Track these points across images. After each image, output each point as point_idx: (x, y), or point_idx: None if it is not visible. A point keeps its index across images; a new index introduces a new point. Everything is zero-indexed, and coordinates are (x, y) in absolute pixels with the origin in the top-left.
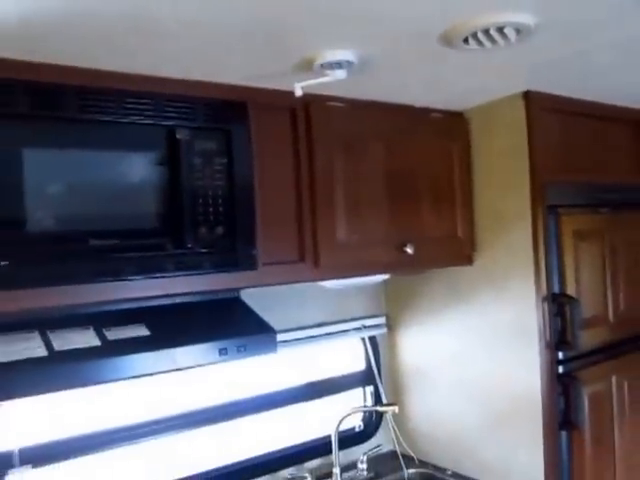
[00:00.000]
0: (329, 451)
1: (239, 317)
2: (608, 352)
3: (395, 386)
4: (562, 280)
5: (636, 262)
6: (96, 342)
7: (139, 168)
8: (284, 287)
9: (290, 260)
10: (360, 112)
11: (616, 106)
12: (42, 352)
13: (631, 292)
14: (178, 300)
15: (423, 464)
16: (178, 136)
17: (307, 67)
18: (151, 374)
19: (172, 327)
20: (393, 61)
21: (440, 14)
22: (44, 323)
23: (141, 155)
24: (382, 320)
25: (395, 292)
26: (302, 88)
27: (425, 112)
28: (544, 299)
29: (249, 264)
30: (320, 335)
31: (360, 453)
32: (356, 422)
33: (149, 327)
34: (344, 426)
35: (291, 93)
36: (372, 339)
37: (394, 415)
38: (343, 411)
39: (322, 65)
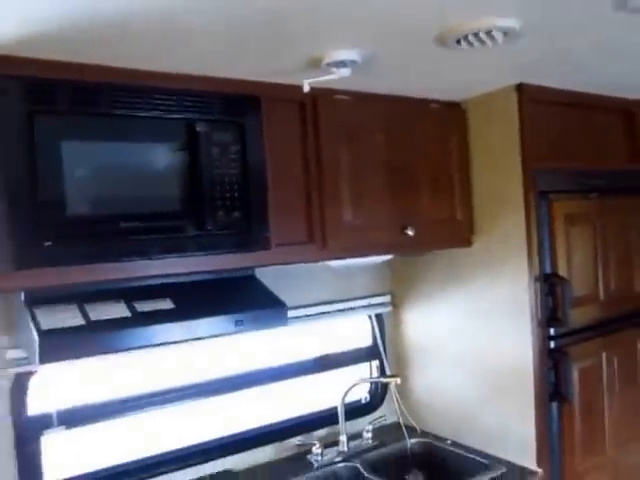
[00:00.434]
0: (336, 421)
1: (253, 293)
2: (599, 329)
3: (399, 361)
4: (553, 261)
5: (625, 244)
6: (127, 313)
7: (163, 158)
8: (296, 267)
9: (300, 241)
10: (363, 104)
11: (604, 96)
12: (80, 321)
13: (620, 272)
14: (199, 277)
15: (425, 434)
16: (198, 129)
17: (315, 65)
18: (175, 342)
19: (194, 301)
20: (393, 59)
21: (434, 19)
22: (81, 296)
23: (165, 146)
24: (388, 299)
25: (400, 273)
26: (309, 84)
27: (424, 103)
28: (536, 279)
29: (263, 245)
30: (329, 312)
31: (366, 423)
32: (362, 394)
33: (173, 301)
34: (351, 398)
35: (300, 88)
36: (378, 316)
37: (398, 388)
38: (350, 383)
39: (328, 63)
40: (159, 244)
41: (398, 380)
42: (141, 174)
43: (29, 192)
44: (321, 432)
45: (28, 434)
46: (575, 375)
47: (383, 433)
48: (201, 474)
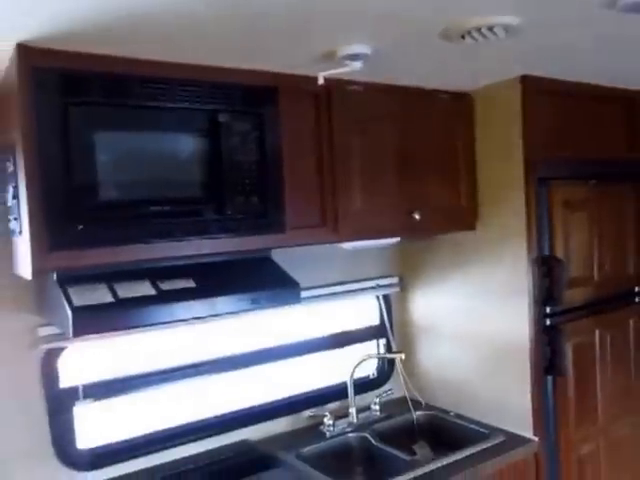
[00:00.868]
0: (346, 395)
1: (269, 273)
2: (593, 308)
3: (405, 339)
4: (551, 244)
5: (620, 229)
6: (152, 292)
7: (187, 146)
8: (308, 251)
9: (313, 225)
10: (374, 95)
11: (604, 87)
12: (109, 299)
13: (615, 255)
14: (218, 258)
15: (429, 407)
16: (220, 119)
17: (330, 58)
18: (196, 319)
19: (213, 280)
20: (402, 53)
21: (438, 16)
22: (109, 276)
23: (189, 135)
24: (395, 280)
25: (407, 256)
26: (324, 76)
27: (433, 93)
28: (535, 261)
29: (279, 228)
30: (339, 292)
31: (373, 397)
32: (370, 371)
33: (195, 280)
34: (360, 374)
35: (315, 79)
36: (385, 297)
37: (404, 365)
38: (358, 360)
39: (342, 57)
40: (183, 227)
41: (402, 356)
42: (167, 161)
43: (64, 178)
44: (332, 405)
45: (60, 406)
46: (569, 351)
47: (390, 406)
48: (220, 444)
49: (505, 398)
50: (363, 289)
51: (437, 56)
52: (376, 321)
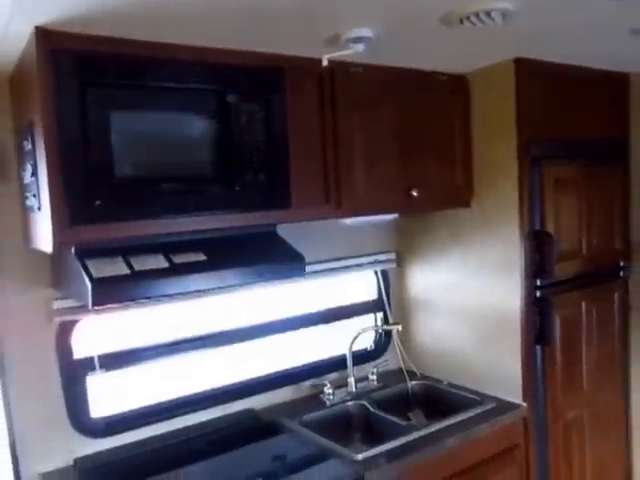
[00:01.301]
0: (345, 366)
1: (275, 247)
2: (580, 282)
3: (401, 313)
4: (543, 221)
5: (607, 206)
6: (165, 264)
7: (198, 126)
8: (311, 227)
9: (317, 201)
10: (376, 76)
11: (596, 69)
12: (126, 271)
13: (602, 231)
14: (227, 233)
15: (424, 377)
16: (228, 99)
17: (334, 41)
18: (206, 290)
19: (223, 254)
20: (403, 37)
21: (439, 1)
22: (124, 250)
23: (199, 115)
24: (392, 256)
25: (404, 233)
26: (328, 59)
27: (431, 75)
28: (527, 236)
29: (284, 204)
30: (339, 268)
31: (371, 369)
32: (367, 343)
33: (205, 254)
34: (358, 347)
35: (320, 61)
36: (383, 272)
37: (400, 337)
38: (357, 332)
39: (345, 40)
40: (194, 203)
41: (400, 327)
42: (179, 140)
43: (82, 156)
44: (332, 376)
45: (74, 376)
46: (558, 322)
47: (387, 376)
48: (226, 412)
49: (497, 367)
50: (362, 264)
51: (436, 40)
52: (374, 296)
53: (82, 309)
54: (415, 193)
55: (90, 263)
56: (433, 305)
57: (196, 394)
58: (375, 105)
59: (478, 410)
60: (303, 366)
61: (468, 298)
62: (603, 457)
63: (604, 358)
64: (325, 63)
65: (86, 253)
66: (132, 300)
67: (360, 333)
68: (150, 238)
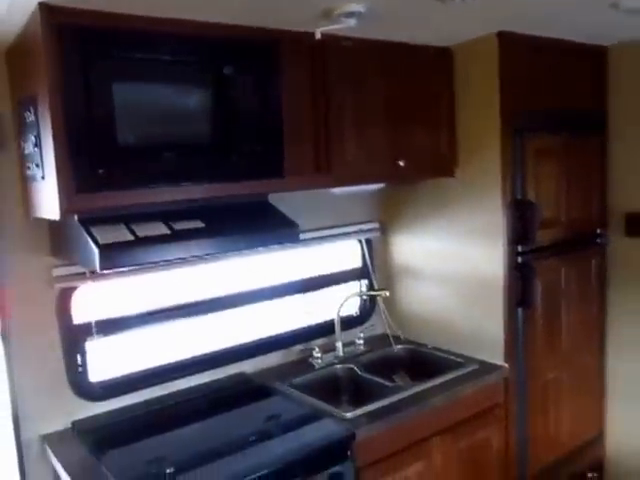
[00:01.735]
0: (333, 331)
1: (270, 215)
2: (560, 248)
3: (386, 280)
4: (524, 190)
5: (585, 176)
6: (166, 231)
7: (196, 97)
8: (295, 196)
9: (309, 171)
10: (366, 49)
11: (575, 42)
12: (130, 237)
13: (580, 200)
14: (222, 202)
15: (409, 342)
16: (225, 72)
17: (327, 15)
18: (205, 255)
19: (220, 222)
20: (393, 11)
21: None
22: (126, 218)
23: (198, 87)
24: (376, 225)
25: (390, 202)
26: (321, 32)
27: (418, 48)
28: (509, 204)
29: (278, 173)
30: (325, 236)
31: (357, 333)
32: (353, 309)
33: (203, 221)
34: (343, 313)
35: (313, 35)
36: (368, 241)
37: (385, 303)
38: (343, 298)
39: (339, 14)
40: (193, 172)
41: (387, 293)
42: (178, 111)
43: (86, 126)
44: (320, 340)
45: (74, 340)
46: (538, 286)
47: (373, 341)
48: (218, 376)
49: (480, 330)
50: (347, 233)
51: (424, 14)
52: (359, 264)
53: (81, 276)
54: (402, 163)
55: (95, 230)
56: (418, 272)
57: (190, 359)
58: (364, 77)
59: (461, 371)
60: (292, 331)
61: (452, 265)
62: (578, 415)
63: (582, 322)
64: (318, 36)
65: (89, 221)
66: (137, 265)
67: (348, 298)
68: (149, 207)
